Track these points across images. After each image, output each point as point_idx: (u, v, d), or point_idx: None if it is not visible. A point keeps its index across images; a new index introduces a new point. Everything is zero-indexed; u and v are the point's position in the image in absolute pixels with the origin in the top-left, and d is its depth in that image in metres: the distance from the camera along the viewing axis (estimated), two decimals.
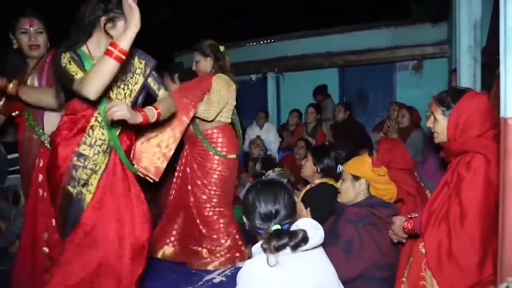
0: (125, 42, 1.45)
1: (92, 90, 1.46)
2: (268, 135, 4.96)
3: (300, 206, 1.68)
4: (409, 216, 1.76)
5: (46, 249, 2.03)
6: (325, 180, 2.50)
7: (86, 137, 1.68)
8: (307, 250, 1.27)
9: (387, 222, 1.82)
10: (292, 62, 6.36)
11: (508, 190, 1.07)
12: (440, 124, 1.65)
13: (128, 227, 1.71)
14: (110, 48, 1.45)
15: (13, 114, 2.14)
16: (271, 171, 3.89)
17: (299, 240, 1.24)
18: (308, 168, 2.59)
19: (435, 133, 1.70)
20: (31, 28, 2.06)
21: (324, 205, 2.19)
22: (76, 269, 1.65)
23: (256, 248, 1.32)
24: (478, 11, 3.04)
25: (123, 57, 1.46)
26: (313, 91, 5.58)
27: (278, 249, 1.22)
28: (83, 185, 1.69)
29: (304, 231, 1.26)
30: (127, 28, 1.45)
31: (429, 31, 5.48)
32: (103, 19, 1.63)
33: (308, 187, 2.56)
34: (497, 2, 1.08)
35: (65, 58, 1.57)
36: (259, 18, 7.91)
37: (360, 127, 4.58)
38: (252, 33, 6.83)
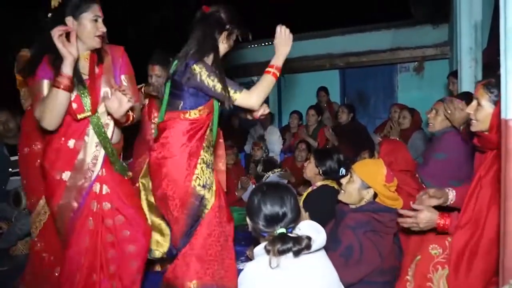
0: (280, 62, 1.86)
1: (259, 103, 1.81)
2: (272, 138, 4.96)
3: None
4: (443, 211, 1.65)
5: (112, 267, 1.84)
6: (326, 182, 2.50)
7: (206, 141, 1.84)
8: (309, 253, 1.27)
9: (389, 226, 1.80)
10: (293, 64, 6.35)
11: (509, 192, 1.07)
12: (484, 111, 1.53)
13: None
14: (268, 68, 1.83)
15: (78, 116, 1.72)
16: (271, 172, 3.89)
17: (303, 247, 1.24)
18: (310, 169, 2.59)
19: (475, 121, 1.58)
20: (101, 17, 1.74)
21: (325, 208, 2.19)
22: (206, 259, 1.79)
23: (259, 249, 1.32)
24: (478, 12, 3.04)
25: (278, 74, 1.84)
26: (318, 88, 5.51)
27: (282, 252, 1.22)
28: (210, 186, 1.83)
29: (309, 239, 1.25)
30: (280, 53, 1.87)
31: (429, 32, 5.48)
32: (225, 33, 1.89)
33: (309, 189, 2.56)
34: (497, 3, 1.07)
35: (208, 73, 1.73)
36: (259, 20, 7.91)
37: (363, 130, 4.55)
38: (252, 35, 6.84)
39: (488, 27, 3.21)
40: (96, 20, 1.72)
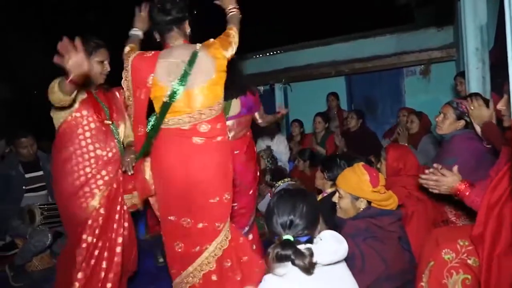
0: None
1: None
2: (279, 147, 4.96)
3: None
4: (467, 182, 1.64)
5: None
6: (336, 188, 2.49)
7: None
8: (329, 265, 1.25)
9: (390, 230, 1.75)
10: (299, 72, 6.39)
11: None
12: None
13: None
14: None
15: None
16: (281, 182, 3.88)
17: (306, 263, 1.18)
18: (318, 177, 2.60)
19: (507, 116, 1.55)
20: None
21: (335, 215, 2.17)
22: None
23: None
24: (483, 13, 3.04)
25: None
26: (328, 94, 5.49)
27: (280, 258, 1.20)
28: None
29: (311, 256, 1.20)
30: None
31: (434, 35, 5.47)
32: None
33: (320, 196, 2.56)
34: (503, 4, 1.08)
35: None
36: (264, 30, 7.98)
37: (373, 136, 4.51)
38: (257, 45, 6.90)
39: (494, 27, 3.19)
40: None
